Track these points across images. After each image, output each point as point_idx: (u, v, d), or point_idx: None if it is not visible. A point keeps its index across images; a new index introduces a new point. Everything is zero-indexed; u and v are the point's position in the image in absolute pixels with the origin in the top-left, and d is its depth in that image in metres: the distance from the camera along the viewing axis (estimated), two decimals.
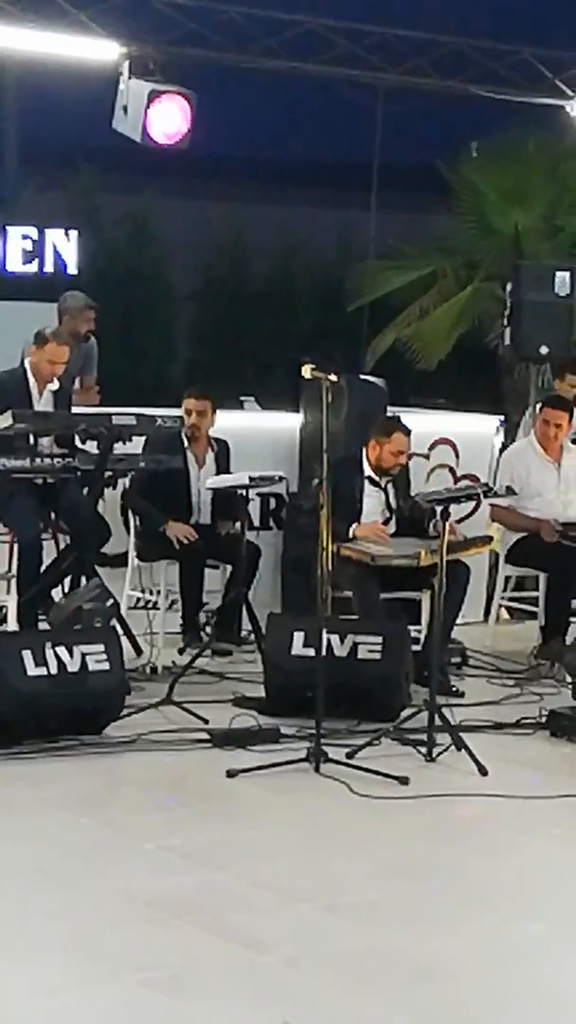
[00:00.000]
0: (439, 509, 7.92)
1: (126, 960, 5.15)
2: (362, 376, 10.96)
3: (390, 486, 9.17)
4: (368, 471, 9.12)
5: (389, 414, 9.89)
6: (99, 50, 9.83)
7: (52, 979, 5.00)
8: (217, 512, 9.36)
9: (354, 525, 8.84)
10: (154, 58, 9.82)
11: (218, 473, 9.35)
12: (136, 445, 9.05)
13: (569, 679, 8.69)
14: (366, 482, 9.12)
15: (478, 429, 11.21)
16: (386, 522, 9.10)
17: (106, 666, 7.60)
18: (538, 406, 10.23)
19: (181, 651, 9.09)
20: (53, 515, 9.01)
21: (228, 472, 9.38)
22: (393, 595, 8.96)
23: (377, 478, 9.13)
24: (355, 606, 8.75)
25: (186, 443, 9.33)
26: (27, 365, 8.98)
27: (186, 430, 9.29)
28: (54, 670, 7.46)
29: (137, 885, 5.84)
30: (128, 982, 4.99)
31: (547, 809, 6.93)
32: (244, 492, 9.13)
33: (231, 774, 7.09)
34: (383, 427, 9.21)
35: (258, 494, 10.01)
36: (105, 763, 7.33)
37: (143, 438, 9.12)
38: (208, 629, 9.16)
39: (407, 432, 9.16)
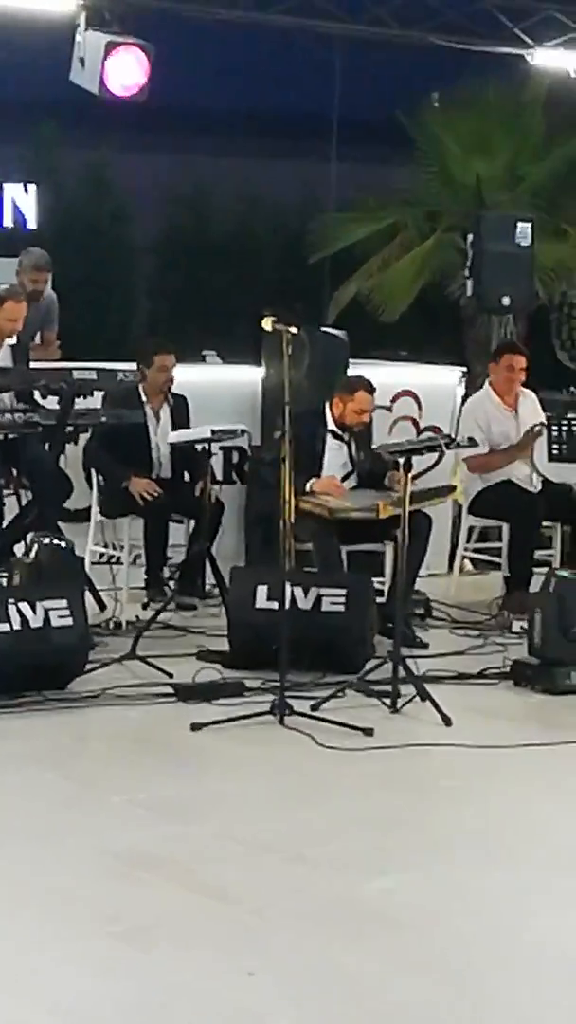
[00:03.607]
0: (401, 461, 7.92)
1: (95, 914, 5.16)
2: (323, 328, 10.94)
3: (352, 439, 9.17)
4: (331, 425, 9.12)
5: (354, 370, 9.87)
6: (56, 1, 9.73)
7: (21, 934, 5.01)
8: (178, 466, 9.35)
9: (312, 479, 8.84)
10: (111, 9, 9.73)
11: (175, 428, 9.33)
12: (97, 400, 9.02)
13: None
14: (328, 435, 9.12)
15: (440, 381, 11.21)
16: (348, 475, 9.11)
17: (69, 621, 7.59)
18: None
19: (145, 606, 9.09)
20: (15, 471, 8.98)
21: (187, 427, 9.35)
22: (355, 547, 8.97)
23: (340, 432, 9.13)
24: (315, 559, 8.76)
25: (144, 398, 9.31)
26: None
27: (163, 386, 9.28)
28: (17, 626, 7.45)
29: (104, 839, 5.85)
30: (97, 935, 5.00)
31: (511, 758, 6.97)
32: (207, 446, 9.11)
33: (196, 727, 7.10)
34: (348, 385, 9.20)
35: (220, 448, 10.00)
36: (70, 718, 7.33)
37: (102, 393, 9.09)
38: (172, 584, 9.17)
39: (372, 390, 9.15)
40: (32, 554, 8.15)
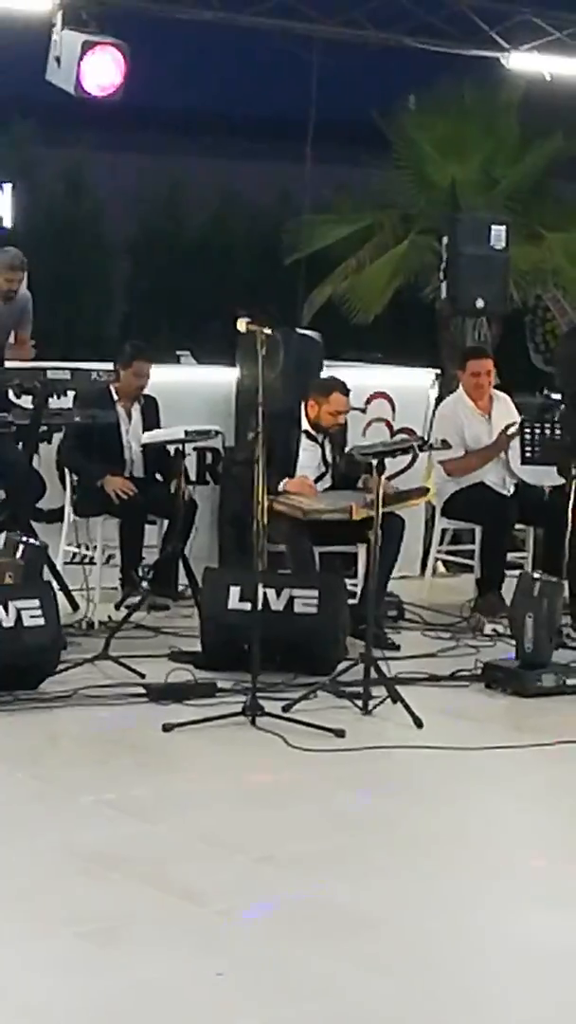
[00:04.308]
0: (374, 463, 7.92)
1: (62, 913, 5.15)
2: (298, 329, 10.95)
3: (327, 441, 9.19)
4: (306, 425, 9.14)
5: (328, 372, 9.89)
6: (32, 0, 9.72)
7: None
8: (150, 466, 9.36)
9: (285, 479, 8.85)
10: (87, 9, 9.72)
11: (145, 429, 9.34)
12: (70, 400, 9.02)
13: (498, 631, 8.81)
14: (303, 436, 9.13)
15: (414, 383, 11.22)
16: (321, 476, 9.12)
17: (41, 621, 7.58)
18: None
19: (117, 606, 9.08)
20: None
21: (157, 427, 9.36)
22: (328, 548, 8.98)
23: (314, 433, 9.15)
24: (288, 560, 8.77)
25: (115, 397, 9.31)
26: None
27: (136, 391, 9.29)
28: None
29: (74, 838, 5.84)
30: (65, 935, 4.99)
31: (481, 760, 6.98)
32: (180, 446, 9.11)
33: (167, 728, 7.10)
34: (323, 387, 9.22)
35: (194, 448, 10.00)
36: (41, 718, 7.32)
37: (73, 393, 9.08)
38: (145, 584, 9.16)
39: (347, 392, 9.17)
40: (18, 554, 8.13)
